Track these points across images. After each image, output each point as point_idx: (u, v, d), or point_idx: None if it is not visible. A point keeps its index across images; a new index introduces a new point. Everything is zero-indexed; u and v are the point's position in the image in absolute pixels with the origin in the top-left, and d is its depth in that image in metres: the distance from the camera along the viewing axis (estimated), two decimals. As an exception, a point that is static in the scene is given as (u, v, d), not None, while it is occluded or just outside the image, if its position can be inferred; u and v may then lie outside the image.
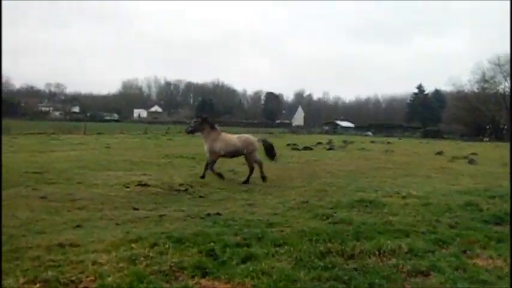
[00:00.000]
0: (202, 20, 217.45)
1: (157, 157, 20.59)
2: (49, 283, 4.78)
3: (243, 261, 5.56)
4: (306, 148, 30.95)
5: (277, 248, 6.11)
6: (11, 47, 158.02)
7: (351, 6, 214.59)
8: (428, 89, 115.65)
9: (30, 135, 37.45)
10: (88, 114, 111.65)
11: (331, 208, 9.25)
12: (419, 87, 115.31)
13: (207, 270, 5.24)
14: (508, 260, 5.89)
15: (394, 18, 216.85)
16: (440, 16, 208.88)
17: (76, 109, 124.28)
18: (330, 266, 5.49)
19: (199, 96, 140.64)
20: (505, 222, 8.20)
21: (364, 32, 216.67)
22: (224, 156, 14.44)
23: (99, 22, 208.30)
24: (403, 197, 10.59)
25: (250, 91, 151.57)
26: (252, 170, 13.91)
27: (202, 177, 13.75)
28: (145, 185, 11.93)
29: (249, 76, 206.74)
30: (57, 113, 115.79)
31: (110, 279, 4.87)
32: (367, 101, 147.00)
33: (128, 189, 11.39)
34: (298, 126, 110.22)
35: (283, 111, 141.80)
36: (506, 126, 75.88)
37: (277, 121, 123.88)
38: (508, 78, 78.69)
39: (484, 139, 70.47)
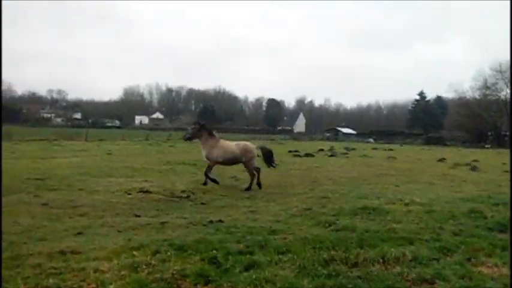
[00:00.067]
0: (203, 27, 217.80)
1: (159, 164, 20.57)
2: (50, 291, 4.74)
3: (246, 269, 5.50)
4: (307, 155, 30.93)
5: (280, 256, 6.05)
6: (13, 54, 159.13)
7: (352, 14, 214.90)
8: (430, 95, 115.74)
9: (32, 142, 37.47)
10: (90, 120, 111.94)
11: (334, 215, 9.18)
12: (421, 94, 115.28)
13: (210, 278, 5.18)
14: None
15: (394, 25, 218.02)
16: (440, 23, 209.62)
17: (78, 115, 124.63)
18: (333, 274, 5.43)
19: (201, 102, 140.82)
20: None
21: (365, 39, 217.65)
22: (222, 163, 14.40)
23: (100, 30, 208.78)
24: (406, 204, 10.50)
25: (251, 98, 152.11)
26: (253, 177, 13.86)
27: (205, 184, 13.74)
28: (147, 191, 11.91)
29: (251, 83, 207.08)
30: (59, 120, 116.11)
31: (111, 287, 4.84)
32: (369, 107, 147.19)
33: (129, 196, 11.37)
34: (299, 133, 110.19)
35: (285, 118, 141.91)
36: (508, 133, 75.62)
37: (279, 128, 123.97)
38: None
39: (486, 146, 70.29)
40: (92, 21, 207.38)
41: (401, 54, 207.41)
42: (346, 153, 35.40)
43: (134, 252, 6.00)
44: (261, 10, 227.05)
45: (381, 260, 5.94)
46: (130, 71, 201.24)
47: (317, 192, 13.08)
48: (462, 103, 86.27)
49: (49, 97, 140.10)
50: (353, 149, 43.07)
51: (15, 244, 6.47)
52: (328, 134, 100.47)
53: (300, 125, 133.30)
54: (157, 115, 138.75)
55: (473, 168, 23.17)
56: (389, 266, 5.80)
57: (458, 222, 8.76)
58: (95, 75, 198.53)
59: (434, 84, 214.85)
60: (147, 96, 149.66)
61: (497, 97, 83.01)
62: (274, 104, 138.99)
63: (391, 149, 47.10)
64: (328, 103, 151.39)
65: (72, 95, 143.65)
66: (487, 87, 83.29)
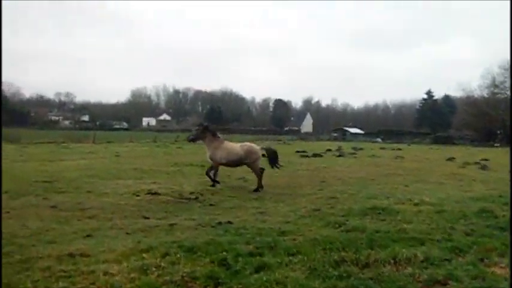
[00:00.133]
0: (204, 27, 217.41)
1: (167, 165, 20.59)
2: (60, 294, 4.72)
3: (256, 271, 5.47)
4: (315, 155, 30.83)
5: (290, 257, 6.01)
6: (20, 57, 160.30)
7: (358, 13, 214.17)
8: (438, 94, 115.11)
9: (40, 144, 37.67)
10: (97, 123, 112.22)
11: (343, 216, 9.13)
12: (429, 93, 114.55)
13: (220, 280, 5.15)
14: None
15: (400, 25, 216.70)
16: (440, 23, 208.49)
17: (85, 118, 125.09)
18: (345, 275, 5.39)
19: (208, 104, 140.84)
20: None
21: (371, 39, 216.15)
22: (226, 165, 14.35)
23: (107, 31, 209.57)
24: (416, 204, 10.44)
25: (258, 98, 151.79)
26: (259, 177, 13.80)
27: (212, 185, 13.72)
28: (155, 193, 11.90)
29: (258, 83, 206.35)
30: (66, 122, 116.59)
31: (121, 290, 4.81)
32: (376, 107, 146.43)
33: (138, 198, 11.36)
34: (307, 133, 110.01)
35: (292, 118, 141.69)
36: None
37: (286, 128, 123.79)
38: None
39: (495, 144, 69.78)
40: (99, 25, 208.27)
41: (401, 54, 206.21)
42: (354, 153, 35.24)
43: (143, 255, 5.98)
44: (261, 10, 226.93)
45: (392, 261, 5.89)
46: (130, 71, 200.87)
47: (326, 192, 13.02)
48: (470, 102, 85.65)
49: (57, 100, 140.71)
50: (361, 148, 42.92)
51: (24, 247, 6.47)
52: (335, 134, 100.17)
53: (307, 126, 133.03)
54: (165, 117, 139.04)
55: (483, 167, 22.99)
56: (400, 267, 5.74)
57: (470, 222, 8.69)
58: (103, 77, 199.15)
59: (434, 84, 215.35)
60: (154, 98, 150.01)
61: (505, 95, 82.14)
62: (281, 104, 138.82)
63: (399, 149, 46.89)
64: (335, 103, 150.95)
65: (80, 97, 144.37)
66: (496, 86, 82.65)
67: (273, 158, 14.86)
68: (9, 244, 6.53)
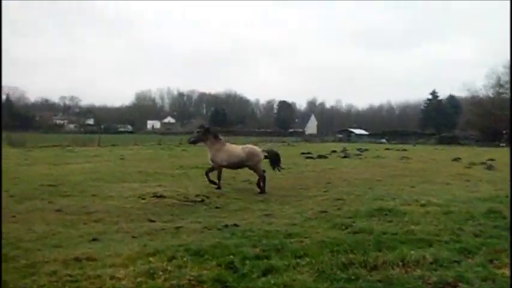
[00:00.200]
0: (204, 27, 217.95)
1: (172, 168, 20.57)
2: (66, 299, 4.69)
3: (264, 274, 5.41)
4: (320, 156, 30.77)
5: (297, 260, 5.96)
6: (25, 61, 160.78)
7: (358, 13, 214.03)
8: (442, 94, 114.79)
9: (45, 148, 37.71)
10: (102, 126, 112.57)
11: (350, 217, 9.07)
12: (433, 93, 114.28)
13: (227, 284, 5.11)
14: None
15: (400, 25, 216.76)
16: (446, 22, 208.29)
17: (90, 121, 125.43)
18: (353, 277, 5.33)
19: (212, 106, 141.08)
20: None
21: (371, 39, 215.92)
22: (227, 167, 14.32)
23: (111, 35, 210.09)
24: (423, 205, 10.36)
25: (263, 100, 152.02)
26: (263, 179, 13.74)
27: (218, 187, 13.66)
28: (160, 196, 11.84)
29: (262, 85, 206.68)
30: (71, 126, 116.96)
31: (128, 294, 4.77)
32: (380, 108, 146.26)
33: (143, 201, 11.32)
34: (311, 135, 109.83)
35: (296, 120, 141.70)
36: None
37: (290, 130, 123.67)
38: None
39: (501, 144, 69.43)
40: (103, 28, 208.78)
41: (401, 54, 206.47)
42: (359, 154, 35.19)
43: (150, 259, 5.94)
44: (261, 10, 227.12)
45: (401, 263, 5.82)
46: (142, 76, 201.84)
47: (332, 194, 12.97)
48: (475, 102, 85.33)
49: (62, 104, 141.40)
50: (366, 149, 42.82)
51: (30, 251, 6.44)
52: (340, 136, 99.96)
53: (311, 127, 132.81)
54: (169, 119, 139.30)
55: (489, 167, 22.87)
56: (409, 269, 5.68)
57: (478, 222, 8.62)
58: (107, 81, 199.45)
59: (434, 84, 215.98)
60: (158, 100, 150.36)
61: (510, 95, 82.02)
62: (285, 106, 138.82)
63: (405, 149, 46.71)
64: (339, 104, 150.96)
65: (85, 101, 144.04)
66: (501, 85, 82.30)
67: (274, 160, 14.82)
68: (15, 248, 6.51)
